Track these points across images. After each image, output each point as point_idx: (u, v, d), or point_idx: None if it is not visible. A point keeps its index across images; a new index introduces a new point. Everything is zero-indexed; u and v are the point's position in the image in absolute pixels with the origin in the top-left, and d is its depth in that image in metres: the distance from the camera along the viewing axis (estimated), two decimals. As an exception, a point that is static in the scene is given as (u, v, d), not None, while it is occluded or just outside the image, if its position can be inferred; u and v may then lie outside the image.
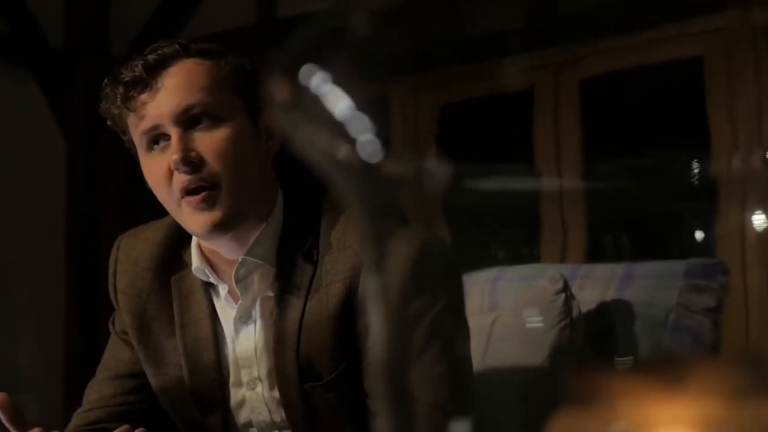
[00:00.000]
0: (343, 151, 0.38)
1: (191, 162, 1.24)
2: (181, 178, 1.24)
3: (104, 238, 3.80)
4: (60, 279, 3.88)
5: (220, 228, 1.26)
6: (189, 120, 1.26)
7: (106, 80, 1.30)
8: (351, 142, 0.38)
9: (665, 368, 0.40)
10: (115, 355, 1.44)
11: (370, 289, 0.40)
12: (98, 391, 1.42)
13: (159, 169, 1.27)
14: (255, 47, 1.35)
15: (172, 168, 1.25)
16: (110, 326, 1.47)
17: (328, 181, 0.39)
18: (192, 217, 1.26)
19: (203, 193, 1.24)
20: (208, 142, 1.25)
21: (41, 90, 3.91)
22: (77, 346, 3.80)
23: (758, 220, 0.40)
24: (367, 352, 1.17)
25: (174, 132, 1.25)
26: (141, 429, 1.28)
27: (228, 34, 3.47)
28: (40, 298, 3.88)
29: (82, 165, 3.91)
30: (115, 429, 1.33)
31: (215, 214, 1.25)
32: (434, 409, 0.51)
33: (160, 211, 1.40)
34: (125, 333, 1.43)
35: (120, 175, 3.78)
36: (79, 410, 1.43)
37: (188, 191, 1.24)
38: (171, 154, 1.24)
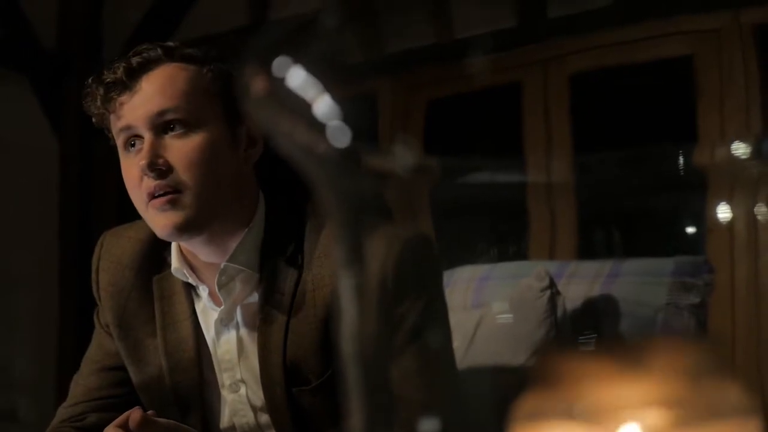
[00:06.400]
0: (321, 144, 0.38)
1: (158, 168, 1.24)
2: (148, 183, 1.25)
3: (98, 240, 3.79)
4: (53, 280, 3.87)
5: (181, 230, 1.25)
6: (162, 125, 1.26)
7: (89, 79, 1.30)
8: (327, 133, 0.37)
9: (627, 350, 0.41)
10: (101, 348, 1.44)
11: (343, 285, 0.40)
12: (84, 385, 1.42)
13: (132, 171, 1.27)
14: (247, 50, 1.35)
15: (140, 172, 1.25)
16: (95, 319, 1.46)
17: (307, 176, 0.39)
18: (156, 219, 1.26)
19: (168, 196, 1.24)
20: (179, 149, 1.25)
21: (34, 92, 3.91)
22: (70, 347, 3.79)
23: (745, 212, 0.41)
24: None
25: (146, 136, 1.25)
26: (138, 408, 1.27)
27: (220, 36, 3.47)
28: (34, 300, 3.87)
29: (75, 167, 3.91)
30: (99, 421, 1.33)
31: (177, 216, 1.24)
32: (416, 409, 0.51)
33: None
34: (109, 326, 1.42)
35: (113, 177, 3.75)
36: (63, 405, 1.43)
37: (154, 196, 1.25)
38: (141, 159, 1.25)
